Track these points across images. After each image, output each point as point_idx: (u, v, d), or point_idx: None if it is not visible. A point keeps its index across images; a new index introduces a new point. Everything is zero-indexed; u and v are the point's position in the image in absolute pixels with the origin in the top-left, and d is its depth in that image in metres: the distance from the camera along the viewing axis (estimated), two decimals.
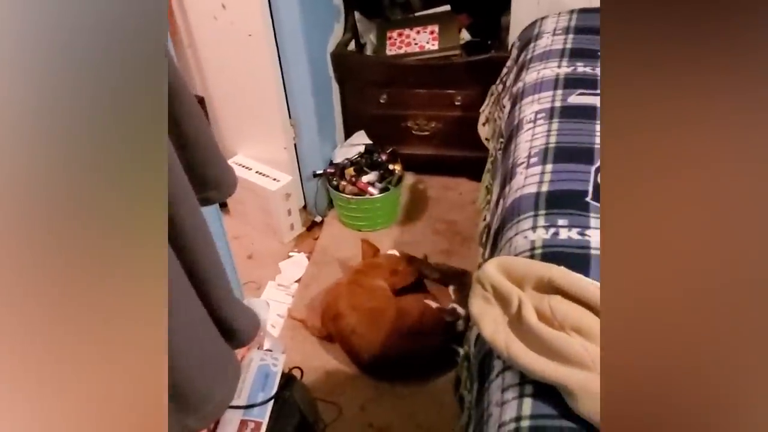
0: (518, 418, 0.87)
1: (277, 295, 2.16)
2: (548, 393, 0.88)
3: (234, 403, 1.41)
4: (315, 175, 2.36)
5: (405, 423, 1.70)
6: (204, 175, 0.97)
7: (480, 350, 1.09)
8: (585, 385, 0.83)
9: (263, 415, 1.39)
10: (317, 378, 1.80)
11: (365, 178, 2.31)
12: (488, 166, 1.87)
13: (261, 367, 1.49)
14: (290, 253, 2.32)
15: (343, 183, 2.31)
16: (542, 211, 1.19)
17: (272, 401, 1.42)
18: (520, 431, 0.85)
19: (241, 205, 2.40)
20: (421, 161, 2.53)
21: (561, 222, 1.15)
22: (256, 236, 2.41)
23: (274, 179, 2.25)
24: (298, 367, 1.58)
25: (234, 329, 1.00)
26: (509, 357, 0.93)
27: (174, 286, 0.85)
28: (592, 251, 1.08)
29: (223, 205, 2.46)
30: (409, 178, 2.55)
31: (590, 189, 1.21)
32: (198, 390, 0.91)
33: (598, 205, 1.17)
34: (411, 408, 1.73)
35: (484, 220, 1.65)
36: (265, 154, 2.30)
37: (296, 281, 2.21)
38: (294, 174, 2.31)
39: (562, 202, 1.20)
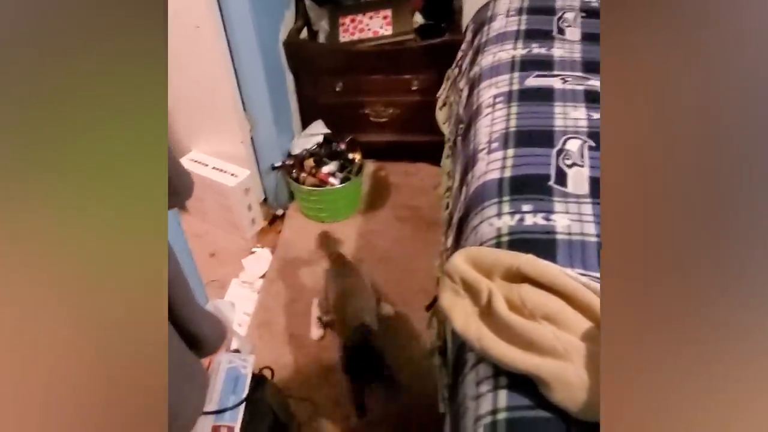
0: (494, 411, 0.87)
1: (241, 292, 2.12)
2: (523, 384, 0.87)
3: (205, 408, 1.38)
4: (274, 168, 2.31)
5: (380, 413, 1.69)
6: None
7: (454, 343, 1.08)
8: (558, 374, 0.83)
9: (235, 419, 1.36)
10: (289, 376, 1.77)
11: (325, 169, 2.27)
12: (447, 151, 1.85)
13: (230, 369, 1.46)
14: (253, 249, 2.28)
15: (303, 175, 2.27)
16: (506, 197, 1.19)
17: (244, 404, 1.39)
18: (497, 424, 0.85)
19: (199, 202, 2.34)
20: (380, 148, 2.51)
21: (526, 207, 1.15)
22: (217, 233, 2.36)
23: (232, 174, 2.20)
24: (269, 367, 1.56)
25: (199, 338, 0.97)
26: (481, 349, 0.92)
27: None
28: (558, 236, 1.08)
29: None
30: (370, 166, 2.53)
31: (552, 173, 1.21)
32: (168, 403, 0.88)
33: (562, 189, 1.17)
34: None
35: (447, 207, 1.64)
36: (221, 148, 2.24)
37: (261, 277, 2.17)
38: (252, 168, 2.26)
39: (526, 187, 1.20)
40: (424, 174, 2.48)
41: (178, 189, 0.98)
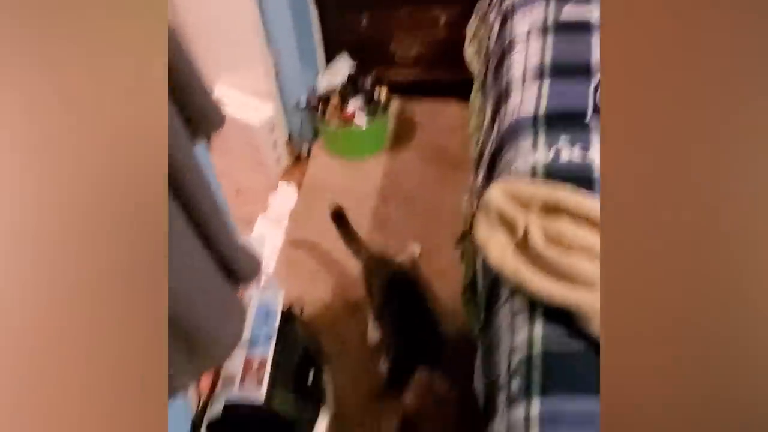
0: (530, 342, 0.87)
1: (268, 229, 2.14)
2: (559, 315, 0.87)
3: None
4: (299, 106, 2.29)
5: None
6: (192, 110, 0.92)
7: (487, 277, 1.08)
8: (596, 305, 0.83)
9: (267, 352, 1.39)
10: (316, 311, 1.79)
11: (351, 106, 2.24)
12: (477, 87, 1.81)
13: (261, 304, 1.49)
14: (278, 187, 2.28)
15: (329, 112, 2.24)
16: (542, 132, 1.16)
17: (275, 337, 1.42)
18: (533, 355, 0.86)
19: (224, 140, 2.33)
20: (406, 85, 2.46)
21: (562, 142, 1.13)
22: (242, 171, 2.36)
23: (257, 111, 2.18)
24: (298, 302, 1.58)
25: (236, 270, 0.97)
26: (518, 282, 0.92)
27: (172, 230, 0.82)
28: (595, 171, 1.06)
29: None
30: (395, 104, 2.48)
31: (590, 107, 1.18)
32: (207, 333, 0.89)
33: (599, 123, 1.14)
34: None
35: (477, 144, 1.61)
36: (245, 85, 2.21)
37: (287, 215, 2.18)
38: (277, 105, 2.23)
39: (562, 121, 1.17)
40: (451, 112, 2.43)
41: (208, 117, 0.97)
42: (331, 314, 1.81)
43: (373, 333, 1.73)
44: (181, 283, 0.82)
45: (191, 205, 0.87)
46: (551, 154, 1.11)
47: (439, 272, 1.85)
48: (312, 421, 1.47)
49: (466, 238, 1.35)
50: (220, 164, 2.34)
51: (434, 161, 2.27)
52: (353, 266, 1.91)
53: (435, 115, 2.45)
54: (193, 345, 0.88)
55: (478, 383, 1.04)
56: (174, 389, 0.92)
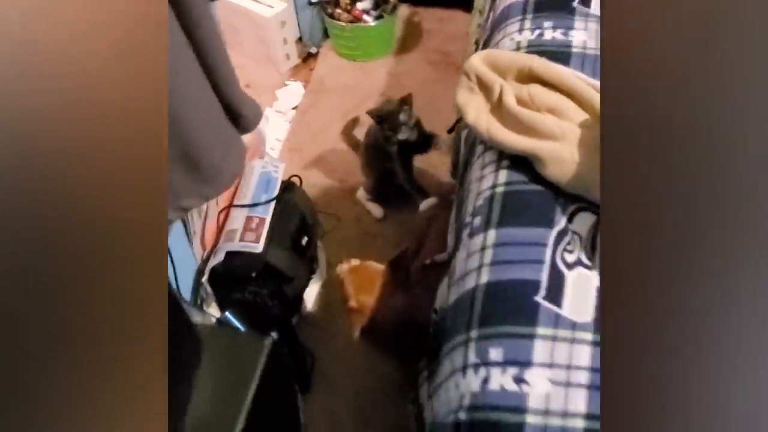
0: (494, 186, 0.99)
1: (275, 120, 2.24)
2: (521, 165, 0.99)
3: (239, 202, 1.55)
4: (310, 3, 2.35)
5: (395, 231, 1.85)
6: None
7: (467, 144, 1.19)
8: (553, 152, 0.94)
9: (266, 213, 1.52)
10: (316, 194, 1.92)
11: (360, 5, 2.30)
12: None
13: (263, 173, 1.61)
14: (286, 82, 2.37)
15: (338, 11, 2.31)
16: (530, 15, 1.24)
17: (274, 201, 1.55)
18: (495, 196, 0.97)
19: (235, 34, 2.40)
20: None
21: (547, 24, 1.21)
22: (252, 66, 2.44)
23: (269, 5, 2.24)
24: (297, 176, 1.70)
25: (239, 114, 1.08)
26: (489, 137, 1.03)
27: (178, 58, 0.92)
28: (574, 49, 1.15)
29: None
30: (404, 11, 2.54)
31: None
32: (210, 160, 1.01)
33: (585, 8, 1.22)
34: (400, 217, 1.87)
35: (476, 44, 1.69)
36: None
37: (293, 108, 2.28)
38: (289, 1, 2.30)
39: (550, 6, 1.25)
40: (458, 20, 2.48)
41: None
42: (328, 196, 1.93)
43: (376, 210, 1.90)
44: (185, 107, 0.93)
45: (200, 47, 0.97)
46: (535, 33, 1.20)
47: (434, 166, 1.97)
48: (304, 283, 1.61)
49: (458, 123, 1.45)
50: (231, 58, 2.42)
51: (438, 65, 2.35)
52: (351, 157, 2.03)
53: (442, 23, 2.51)
54: (198, 171, 1.00)
55: (450, 234, 1.17)
56: (181, 209, 1.04)
